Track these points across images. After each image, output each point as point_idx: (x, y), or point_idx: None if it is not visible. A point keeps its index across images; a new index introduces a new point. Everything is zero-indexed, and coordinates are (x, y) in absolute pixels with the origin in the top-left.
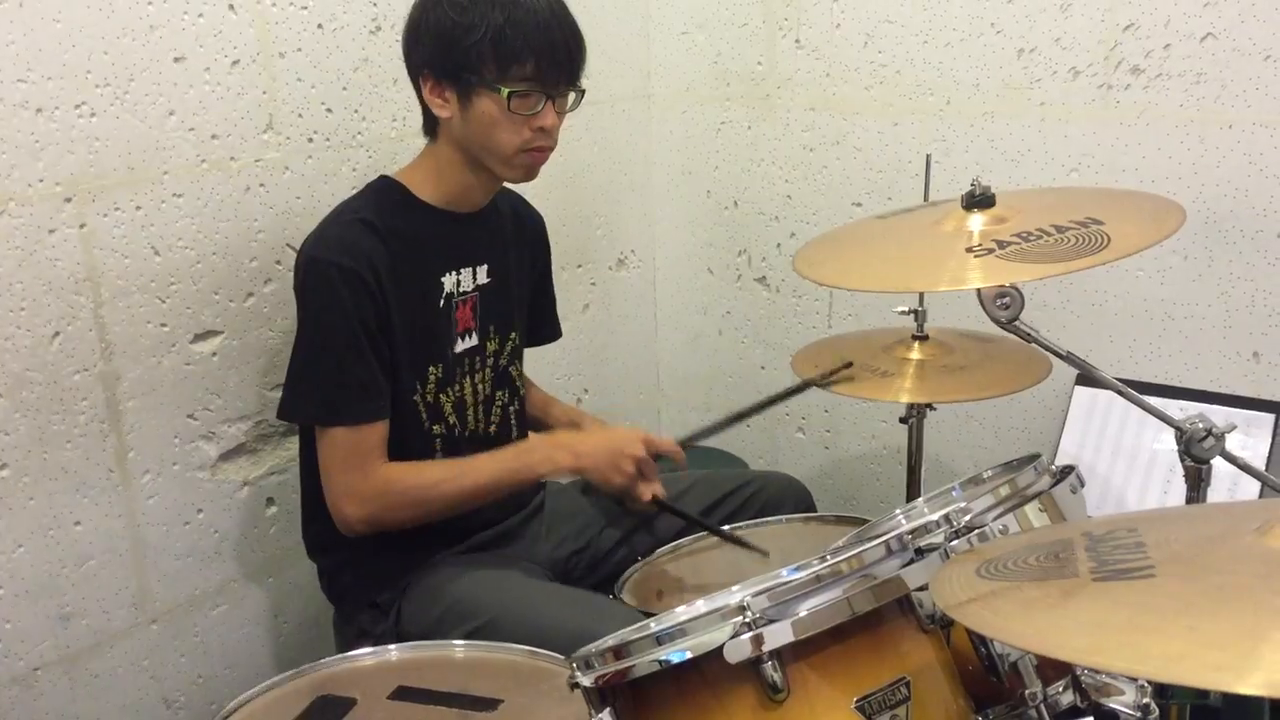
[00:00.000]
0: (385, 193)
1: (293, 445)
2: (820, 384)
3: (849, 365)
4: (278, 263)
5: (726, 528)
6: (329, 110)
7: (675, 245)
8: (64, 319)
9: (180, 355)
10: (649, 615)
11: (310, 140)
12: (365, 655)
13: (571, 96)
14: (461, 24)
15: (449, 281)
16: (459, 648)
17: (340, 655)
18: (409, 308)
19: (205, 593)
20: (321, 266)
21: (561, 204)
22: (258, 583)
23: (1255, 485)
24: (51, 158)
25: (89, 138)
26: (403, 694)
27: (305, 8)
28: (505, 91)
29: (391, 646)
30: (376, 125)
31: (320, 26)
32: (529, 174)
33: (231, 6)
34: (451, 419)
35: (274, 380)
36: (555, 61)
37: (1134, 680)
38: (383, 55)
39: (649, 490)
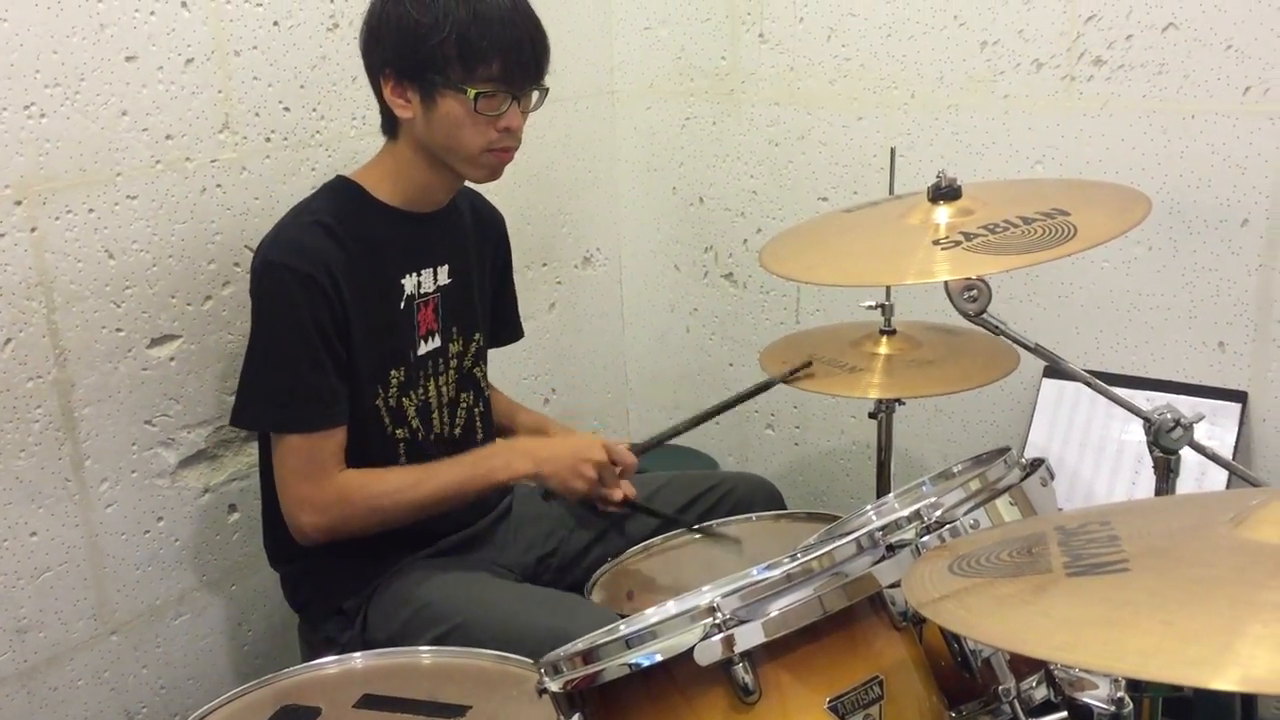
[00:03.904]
0: (342, 193)
1: (254, 451)
2: (780, 382)
3: (809, 364)
4: (236, 265)
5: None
6: (286, 109)
7: (641, 242)
8: (15, 325)
9: (137, 361)
10: (620, 616)
11: (268, 140)
12: (330, 663)
13: (536, 95)
14: (424, 22)
15: (409, 283)
16: (425, 654)
17: (305, 664)
18: (368, 311)
19: (166, 602)
20: (276, 270)
21: (526, 202)
22: (220, 591)
23: (1223, 475)
24: (0, 160)
25: (39, 139)
26: (368, 702)
27: (261, 4)
28: (471, 93)
29: (357, 654)
30: (336, 124)
31: (276, 24)
32: (494, 174)
33: (184, 4)
34: (415, 423)
35: (234, 385)
36: (521, 61)
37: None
38: (341, 53)
39: (619, 492)
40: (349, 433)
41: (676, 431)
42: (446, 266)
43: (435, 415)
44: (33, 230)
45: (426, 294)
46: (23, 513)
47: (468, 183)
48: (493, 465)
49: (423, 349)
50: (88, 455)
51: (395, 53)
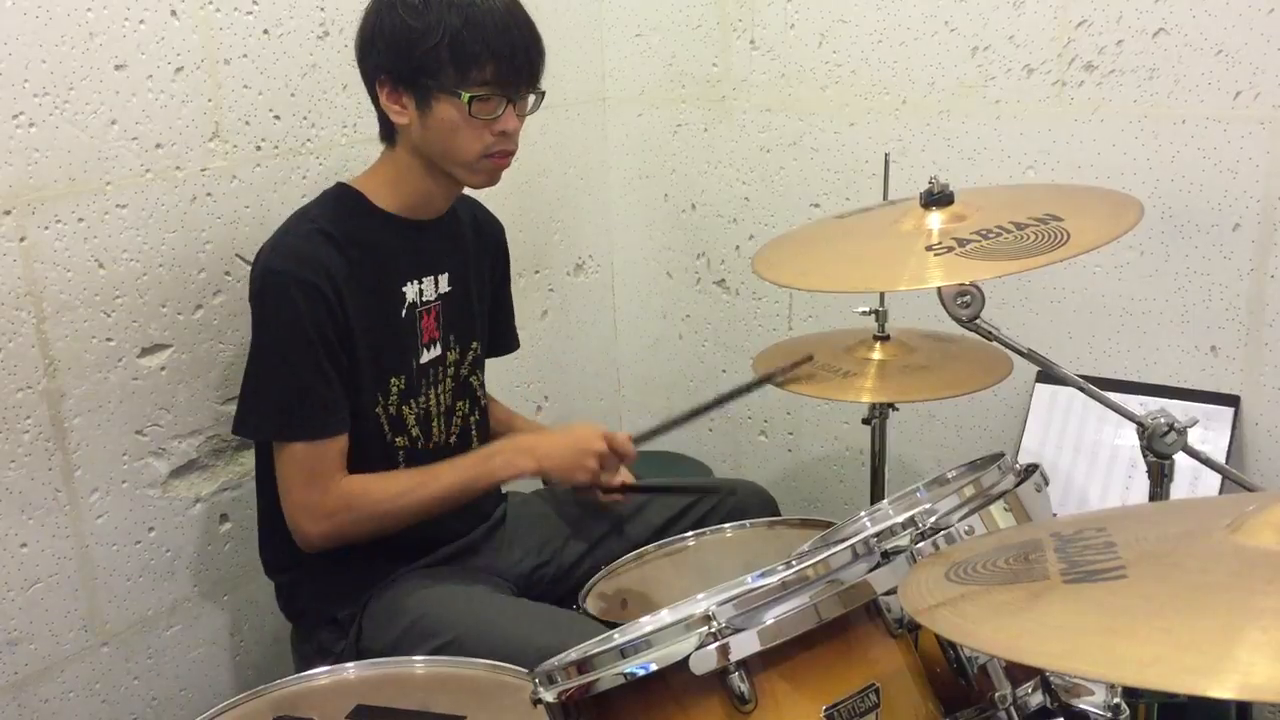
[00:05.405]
0: (342, 201)
1: (246, 460)
2: (780, 379)
3: (810, 359)
4: (227, 274)
5: (693, 533)
6: (277, 117)
7: (633, 249)
8: (4, 335)
9: (127, 370)
10: (615, 625)
11: (258, 148)
12: (323, 674)
13: (531, 99)
14: (418, 28)
15: (411, 291)
16: (419, 664)
17: (297, 675)
18: (370, 319)
19: (158, 613)
20: (277, 278)
21: (518, 209)
22: (213, 601)
23: (1216, 479)
24: None
25: (28, 148)
26: (361, 713)
27: (250, 12)
28: (466, 96)
29: (349, 664)
30: (326, 132)
31: (266, 32)
32: (492, 179)
33: (174, 12)
34: (415, 431)
35: (225, 394)
36: (515, 64)
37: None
38: (331, 61)
39: (617, 479)
40: (349, 441)
41: (676, 423)
42: (447, 274)
43: (435, 424)
44: (22, 240)
45: (428, 302)
46: (12, 524)
47: (467, 190)
48: (495, 464)
49: (425, 357)
50: (78, 466)
51: (390, 59)
